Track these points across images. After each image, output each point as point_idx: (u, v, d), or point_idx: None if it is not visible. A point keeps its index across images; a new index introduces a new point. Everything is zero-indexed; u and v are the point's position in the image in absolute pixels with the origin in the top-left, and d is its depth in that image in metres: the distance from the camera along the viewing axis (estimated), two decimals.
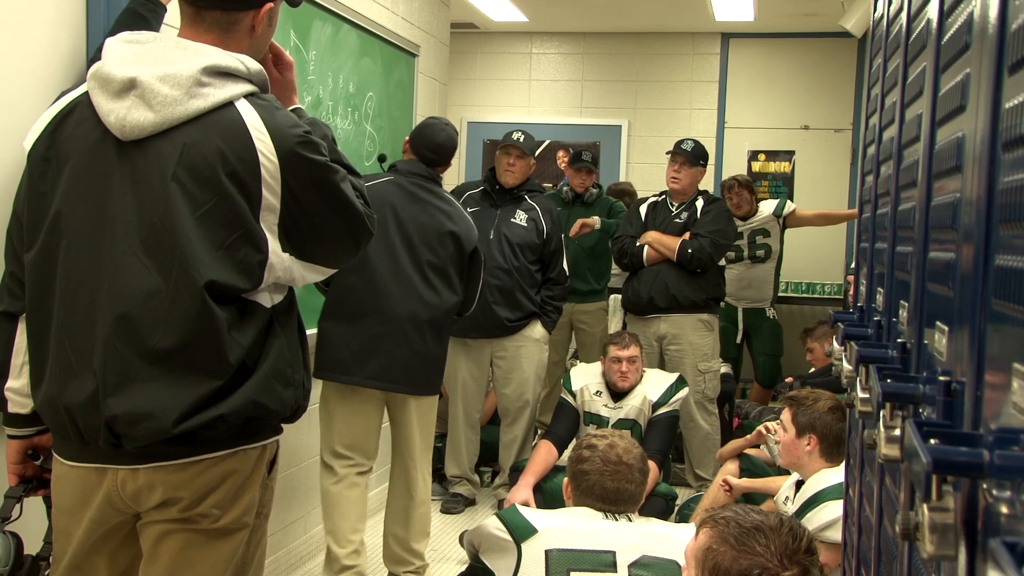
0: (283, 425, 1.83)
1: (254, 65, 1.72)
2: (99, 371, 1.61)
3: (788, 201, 5.93)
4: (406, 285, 3.27)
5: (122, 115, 1.62)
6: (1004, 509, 0.72)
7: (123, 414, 1.60)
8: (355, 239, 1.84)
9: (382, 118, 4.24)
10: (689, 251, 4.61)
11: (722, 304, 5.78)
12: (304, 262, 1.76)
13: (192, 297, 1.60)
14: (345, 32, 3.84)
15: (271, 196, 1.66)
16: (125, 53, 1.66)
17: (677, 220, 4.77)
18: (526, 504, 3.52)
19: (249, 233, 1.65)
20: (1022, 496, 0.68)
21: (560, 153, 7.27)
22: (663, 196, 4.92)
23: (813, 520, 2.57)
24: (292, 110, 1.91)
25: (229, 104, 1.65)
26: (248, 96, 1.69)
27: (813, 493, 2.72)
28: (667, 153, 4.88)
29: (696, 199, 4.81)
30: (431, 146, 3.47)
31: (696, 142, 4.86)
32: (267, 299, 1.72)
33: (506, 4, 6.47)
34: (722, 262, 4.90)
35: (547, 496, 3.87)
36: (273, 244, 1.68)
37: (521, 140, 4.46)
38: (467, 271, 3.44)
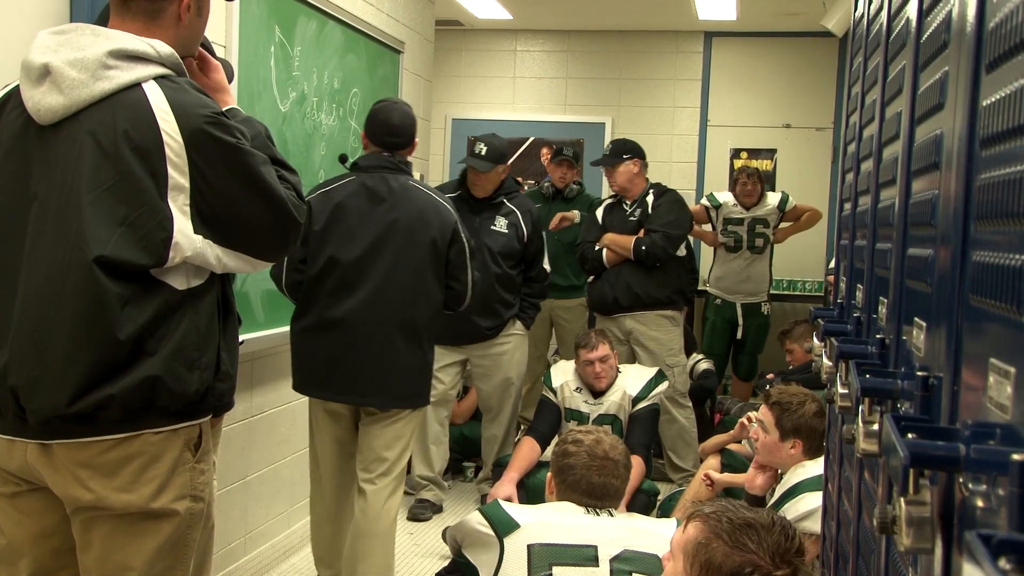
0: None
1: (164, 49, 1.75)
2: (11, 345, 1.67)
3: (790, 197, 5.96)
4: (376, 290, 2.99)
5: (37, 100, 1.69)
6: (980, 502, 0.73)
7: (21, 385, 1.65)
8: (281, 228, 1.84)
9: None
10: (643, 248, 4.64)
11: (718, 301, 5.83)
12: (226, 248, 1.77)
13: (81, 272, 1.64)
14: (330, 28, 3.83)
15: (178, 175, 1.69)
16: (48, 42, 1.72)
17: (631, 218, 4.77)
18: (509, 499, 3.52)
19: (153, 210, 1.68)
20: (997, 489, 0.68)
21: (544, 150, 7.28)
22: (617, 197, 4.92)
23: (791, 510, 2.58)
24: (227, 110, 1.94)
25: (136, 86, 1.69)
26: (159, 78, 1.72)
27: (792, 484, 2.73)
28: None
29: (647, 194, 4.80)
30: (387, 129, 3.13)
31: (614, 142, 4.93)
32: (181, 281, 1.73)
33: (491, 2, 6.45)
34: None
35: (530, 492, 3.87)
36: (182, 224, 1.70)
37: (483, 153, 4.12)
38: (449, 262, 3.11)
